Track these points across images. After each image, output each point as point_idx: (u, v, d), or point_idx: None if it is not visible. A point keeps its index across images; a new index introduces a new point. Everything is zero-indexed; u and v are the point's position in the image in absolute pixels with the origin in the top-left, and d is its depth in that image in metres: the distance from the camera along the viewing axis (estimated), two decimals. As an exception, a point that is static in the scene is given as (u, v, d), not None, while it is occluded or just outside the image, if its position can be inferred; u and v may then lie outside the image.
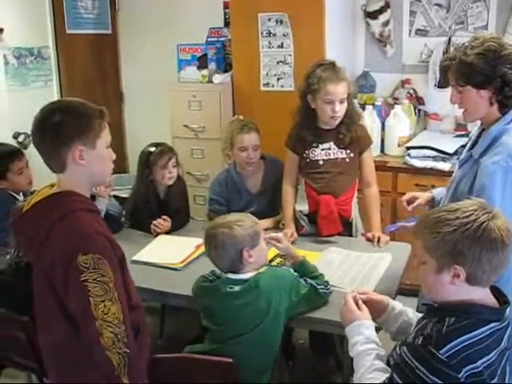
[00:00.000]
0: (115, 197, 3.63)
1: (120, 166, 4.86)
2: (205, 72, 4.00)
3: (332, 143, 2.80)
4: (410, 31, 4.01)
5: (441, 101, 3.93)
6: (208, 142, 4.00)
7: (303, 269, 2.20)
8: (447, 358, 1.38)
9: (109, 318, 1.65)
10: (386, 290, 2.22)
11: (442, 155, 3.54)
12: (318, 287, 2.12)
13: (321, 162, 2.81)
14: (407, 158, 3.62)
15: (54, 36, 4.37)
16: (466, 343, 1.40)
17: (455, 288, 1.48)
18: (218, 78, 3.93)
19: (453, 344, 1.40)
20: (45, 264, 1.71)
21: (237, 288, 2.01)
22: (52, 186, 1.81)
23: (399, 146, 3.75)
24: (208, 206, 3.12)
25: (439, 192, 2.44)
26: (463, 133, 3.85)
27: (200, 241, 2.73)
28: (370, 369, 1.56)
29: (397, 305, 1.79)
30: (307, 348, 3.19)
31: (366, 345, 1.61)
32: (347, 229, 2.84)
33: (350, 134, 2.77)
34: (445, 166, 3.51)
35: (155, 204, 2.99)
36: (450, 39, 3.83)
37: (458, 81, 2.00)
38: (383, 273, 2.41)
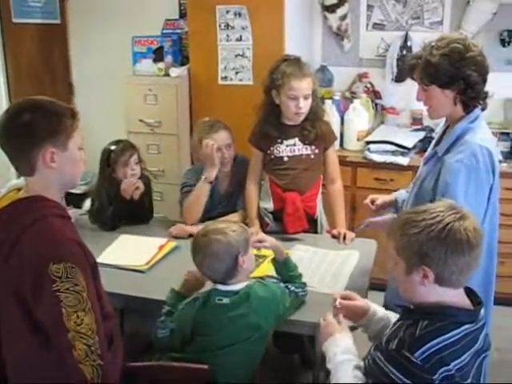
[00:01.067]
0: (71, 193, 3.51)
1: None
2: (161, 65, 3.90)
3: (297, 139, 2.77)
4: (368, 25, 4.02)
5: (397, 95, 3.98)
6: (164, 137, 3.91)
7: (285, 267, 2.15)
8: (421, 362, 1.38)
9: (82, 329, 1.58)
10: (357, 287, 2.20)
11: (400, 149, 3.57)
12: (298, 292, 2.09)
13: (286, 159, 2.78)
14: (367, 152, 3.63)
15: (0, 25, 4.17)
16: (439, 346, 1.40)
17: (426, 289, 1.47)
18: (174, 72, 3.84)
19: (426, 347, 1.39)
20: (13, 270, 1.61)
21: (226, 300, 1.93)
22: (18, 190, 1.71)
23: (358, 140, 3.77)
24: (180, 192, 2.97)
25: (400, 194, 2.46)
26: (419, 127, 3.90)
27: (162, 241, 2.68)
28: (348, 378, 1.54)
29: (379, 310, 1.78)
30: (271, 344, 3.16)
31: (345, 355, 1.59)
32: (312, 226, 2.82)
33: (315, 130, 2.74)
34: (404, 160, 3.54)
35: (119, 202, 2.89)
36: (407, 34, 3.85)
37: (423, 79, 2.01)
38: (352, 270, 2.40)
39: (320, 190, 2.86)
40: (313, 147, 2.77)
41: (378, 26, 3.99)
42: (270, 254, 2.51)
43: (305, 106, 2.66)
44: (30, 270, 1.56)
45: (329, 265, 2.45)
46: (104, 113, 4.50)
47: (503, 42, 3.79)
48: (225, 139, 2.85)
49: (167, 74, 3.87)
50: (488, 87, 2.02)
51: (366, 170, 3.68)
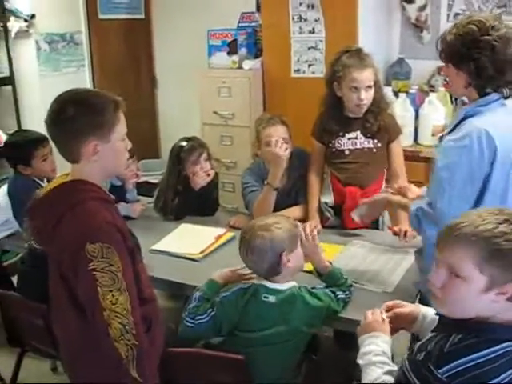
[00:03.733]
0: (146, 182, 3.65)
1: (152, 152, 4.87)
2: (235, 58, 3.94)
3: (359, 132, 2.71)
4: (448, 16, 3.85)
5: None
6: (237, 129, 3.95)
7: (331, 280, 2.07)
8: (447, 378, 1.28)
9: (117, 308, 1.62)
10: (407, 289, 2.16)
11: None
12: (345, 297, 2.04)
13: (347, 152, 2.73)
14: (441, 148, 3.49)
15: (87, 21, 4.39)
16: (471, 364, 1.28)
17: (496, 306, 1.31)
18: (248, 64, 3.87)
19: (454, 364, 1.28)
20: (55, 252, 1.70)
21: (272, 298, 1.91)
22: (67, 174, 1.79)
23: (433, 135, 3.62)
24: (245, 197, 2.91)
25: None
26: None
27: (221, 231, 2.71)
28: (377, 380, 1.48)
29: (429, 313, 1.66)
30: (332, 340, 3.13)
31: (380, 357, 1.52)
32: (373, 222, 2.75)
33: (377, 122, 2.67)
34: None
35: (187, 195, 2.95)
36: (490, 24, 3.65)
37: (441, 56, 1.99)
38: (405, 271, 2.32)
39: (383, 186, 2.79)
40: (375, 140, 2.71)
41: (460, 17, 3.81)
42: (326, 247, 2.49)
43: (367, 97, 2.60)
44: (69, 250, 1.63)
45: (383, 263, 2.38)
46: (181, 104, 4.63)
47: None
48: (281, 133, 2.81)
49: (241, 67, 3.90)
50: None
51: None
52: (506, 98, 1.98)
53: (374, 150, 2.71)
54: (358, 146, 2.71)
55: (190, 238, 2.67)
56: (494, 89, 1.94)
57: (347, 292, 2.04)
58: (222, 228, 2.76)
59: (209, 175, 2.94)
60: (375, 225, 2.77)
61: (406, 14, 3.92)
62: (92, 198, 1.70)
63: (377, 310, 1.65)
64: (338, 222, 2.77)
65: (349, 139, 2.73)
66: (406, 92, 3.77)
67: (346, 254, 2.46)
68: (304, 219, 2.82)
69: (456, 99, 3.84)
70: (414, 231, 2.61)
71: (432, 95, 3.66)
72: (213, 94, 3.98)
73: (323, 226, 2.75)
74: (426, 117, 3.64)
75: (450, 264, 1.34)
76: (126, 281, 1.65)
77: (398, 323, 1.66)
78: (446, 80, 3.81)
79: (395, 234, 2.66)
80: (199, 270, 2.41)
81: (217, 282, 2.10)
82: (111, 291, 1.62)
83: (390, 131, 2.72)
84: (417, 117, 3.69)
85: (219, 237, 2.66)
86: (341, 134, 2.73)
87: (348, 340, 2.91)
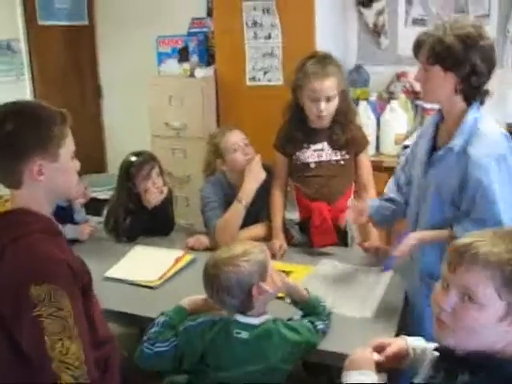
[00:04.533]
0: (94, 199, 3.37)
1: (97, 165, 4.59)
2: (186, 65, 3.73)
3: (325, 144, 2.55)
4: (406, 20, 3.74)
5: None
6: (190, 141, 3.72)
7: (308, 308, 1.87)
8: None
9: (68, 359, 1.40)
10: (389, 309, 2.01)
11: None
12: (324, 327, 1.84)
13: (312, 165, 2.55)
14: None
15: (25, 28, 4.08)
16: None
17: (509, 336, 1.18)
18: (200, 72, 3.66)
19: None
20: None
21: (245, 334, 1.70)
22: (6, 201, 1.55)
23: (396, 143, 3.50)
24: (204, 213, 2.67)
25: (374, 203, 2.31)
26: (463, 129, 3.60)
27: (179, 253, 2.49)
28: None
29: (416, 343, 1.52)
30: (300, 366, 2.94)
31: None
32: (342, 238, 2.58)
33: (344, 134, 2.51)
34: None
35: (139, 213, 2.72)
36: (449, 29, 3.57)
37: (428, 58, 1.89)
38: (385, 290, 2.16)
39: (351, 199, 2.63)
40: (343, 152, 2.54)
41: (418, 22, 3.71)
42: (293, 269, 2.31)
43: (327, 108, 2.43)
44: (10, 292, 1.40)
45: (358, 285, 2.21)
46: (130, 115, 4.37)
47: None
48: (243, 138, 2.64)
49: (193, 75, 3.68)
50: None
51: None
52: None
53: (342, 162, 2.55)
54: (325, 158, 2.54)
55: (146, 262, 2.43)
56: (477, 95, 1.90)
57: (327, 321, 1.86)
58: (179, 250, 2.54)
59: (162, 192, 2.71)
60: (343, 241, 2.60)
61: (364, 19, 3.79)
62: (37, 231, 1.47)
63: (366, 348, 1.47)
64: (305, 239, 2.59)
65: (314, 151, 2.55)
66: (366, 99, 3.64)
67: (315, 276, 2.27)
68: (267, 238, 2.63)
69: (416, 106, 3.75)
70: (386, 247, 2.48)
71: (393, 102, 3.54)
72: (163, 104, 3.75)
73: (289, 245, 2.57)
74: (387, 125, 3.52)
75: (464, 286, 1.18)
76: (79, 326, 1.43)
77: (387, 364, 1.49)
78: (406, 86, 3.73)
79: (366, 250, 2.51)
80: (157, 298, 2.17)
81: (184, 308, 1.87)
82: (61, 340, 1.39)
83: (358, 143, 2.57)
84: (378, 125, 3.56)
85: (178, 260, 2.43)
86: (305, 145, 2.56)
87: (317, 366, 2.76)
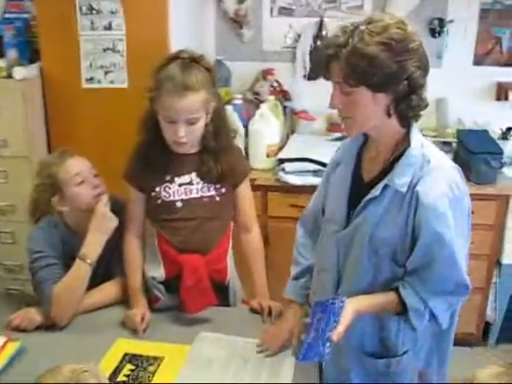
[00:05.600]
0: None
1: None
2: (1, 63, 2.87)
3: (194, 175, 1.93)
4: (272, 9, 3.23)
5: (310, 95, 3.24)
6: (12, 160, 2.88)
7: None
8: None
9: None
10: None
11: (323, 168, 2.83)
12: None
13: (179, 204, 1.92)
14: (281, 173, 2.86)
15: None
16: None
17: None
18: (20, 72, 2.81)
19: None
20: None
21: None
22: None
23: (268, 156, 2.98)
24: (34, 274, 1.94)
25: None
26: (339, 135, 3.18)
27: (1, 340, 1.75)
28: None
29: None
30: None
31: None
32: (221, 295, 2.00)
33: (218, 164, 1.91)
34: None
35: None
36: (321, 20, 3.11)
37: (347, 78, 1.38)
38: (293, 369, 1.62)
39: (230, 244, 2.05)
40: (218, 186, 1.94)
41: (286, 11, 3.21)
42: (162, 352, 1.70)
43: (189, 133, 1.82)
44: None
45: (254, 371, 1.64)
46: None
47: (433, 32, 3.16)
48: (88, 166, 2.00)
49: (10, 76, 2.84)
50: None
51: (279, 195, 2.94)
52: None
53: (218, 198, 1.94)
54: (195, 195, 1.93)
55: None
56: (417, 113, 1.47)
57: None
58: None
59: None
60: (223, 299, 2.02)
61: (223, 8, 3.21)
62: None
63: None
64: (173, 301, 1.97)
65: (180, 185, 1.93)
66: (230, 102, 3.07)
67: (195, 362, 1.68)
68: (124, 299, 1.98)
69: (285, 108, 3.26)
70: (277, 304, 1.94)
71: (263, 107, 3.01)
72: (-28, 113, 2.87)
73: (152, 311, 1.94)
74: (258, 134, 2.98)
75: None
76: None
77: None
78: (273, 86, 3.23)
79: (254, 311, 1.95)
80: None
81: None
82: None
83: (237, 172, 1.98)
84: (246, 134, 3.01)
85: (3, 348, 1.70)
86: (168, 177, 1.93)
87: None
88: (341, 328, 1.36)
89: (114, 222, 1.90)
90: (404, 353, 1.57)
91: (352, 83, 1.37)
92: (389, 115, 1.42)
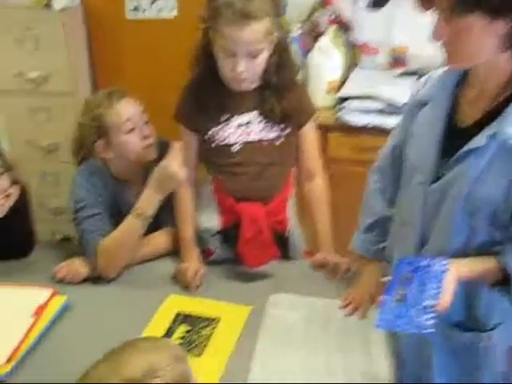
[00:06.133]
0: None
1: None
2: (39, -8, 2.66)
3: (254, 114, 1.71)
4: None
5: (373, 26, 2.93)
6: (54, 97, 2.72)
7: None
8: None
9: None
10: None
11: (390, 107, 2.57)
12: None
13: (236, 148, 1.72)
14: (341, 112, 2.61)
15: None
16: None
17: None
18: (60, 1, 2.61)
19: None
20: None
21: None
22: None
23: (328, 93, 2.73)
24: (79, 225, 1.77)
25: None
26: (404, 70, 2.89)
27: (43, 295, 1.62)
28: None
29: None
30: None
31: None
32: (281, 247, 1.81)
33: (281, 103, 1.68)
34: (394, 121, 2.54)
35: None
36: None
37: (458, 4, 1.11)
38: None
39: (292, 192, 1.85)
40: (281, 126, 1.72)
41: None
42: (219, 313, 1.54)
43: (250, 68, 1.59)
44: None
45: (344, 337, 1.46)
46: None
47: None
48: (139, 111, 1.79)
49: (49, 5, 2.63)
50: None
51: (340, 136, 2.67)
52: None
53: (278, 141, 1.73)
54: (254, 138, 1.71)
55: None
56: None
57: None
58: (43, 288, 1.66)
59: (8, 197, 1.77)
60: (283, 251, 1.83)
61: None
62: None
63: None
64: (230, 253, 1.80)
65: (239, 126, 1.71)
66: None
67: (270, 332, 1.50)
68: (174, 250, 1.82)
69: (348, 42, 2.96)
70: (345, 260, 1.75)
71: (323, 39, 2.73)
72: (9, 47, 2.68)
73: (206, 262, 1.77)
74: (317, 69, 2.71)
75: None
76: None
77: None
78: (333, 15, 2.93)
79: (319, 266, 1.76)
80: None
81: None
82: None
83: (301, 112, 1.75)
84: (305, 69, 2.75)
85: (41, 309, 1.57)
86: (225, 117, 1.71)
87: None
88: (447, 297, 1.15)
89: (181, 175, 1.67)
90: (495, 327, 1.36)
91: (464, 8, 1.10)
92: (504, 48, 1.16)
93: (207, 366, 1.38)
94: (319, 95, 2.70)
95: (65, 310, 1.60)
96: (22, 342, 1.45)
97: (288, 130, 1.73)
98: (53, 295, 1.63)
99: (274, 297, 1.62)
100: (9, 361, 1.39)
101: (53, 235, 2.84)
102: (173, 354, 0.92)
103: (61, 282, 1.71)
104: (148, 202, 1.66)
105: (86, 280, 1.73)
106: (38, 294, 1.62)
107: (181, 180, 1.63)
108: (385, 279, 1.32)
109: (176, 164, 1.62)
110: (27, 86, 2.72)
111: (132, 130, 1.75)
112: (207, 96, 1.70)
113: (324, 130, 2.67)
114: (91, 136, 1.78)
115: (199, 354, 1.42)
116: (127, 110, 1.76)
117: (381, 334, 1.44)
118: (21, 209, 1.83)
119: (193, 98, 1.73)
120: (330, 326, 1.50)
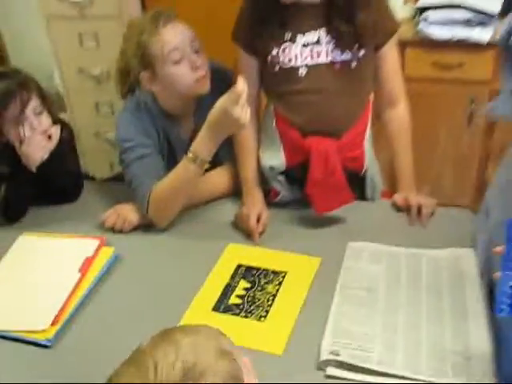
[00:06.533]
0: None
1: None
2: None
3: (323, 31, 1.43)
4: None
5: None
6: (102, 21, 2.50)
7: None
8: None
9: None
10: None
11: (478, 16, 2.22)
12: None
13: (302, 71, 1.46)
14: (422, 25, 2.29)
15: None
16: None
17: None
18: None
19: None
20: None
21: None
22: None
23: (406, 2, 2.39)
24: (127, 167, 1.59)
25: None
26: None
27: (91, 245, 1.47)
28: None
29: None
30: None
31: None
32: (356, 187, 1.58)
33: (356, 18, 1.39)
34: (483, 34, 2.21)
35: (24, 180, 1.63)
36: None
37: None
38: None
39: (369, 124, 1.58)
40: (356, 46, 1.44)
41: None
42: (285, 266, 1.35)
43: None
44: None
45: (435, 293, 1.24)
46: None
47: None
48: (190, 37, 1.52)
49: None
50: None
51: (420, 52, 2.37)
52: None
53: (354, 63, 1.45)
54: (323, 60, 1.44)
55: (33, 279, 1.39)
56: None
57: None
58: (90, 237, 1.50)
59: (50, 138, 1.59)
60: (359, 191, 1.60)
61: None
62: None
63: None
64: (296, 195, 1.58)
65: (305, 46, 1.44)
66: None
67: (346, 291, 1.28)
68: (234, 191, 1.62)
69: None
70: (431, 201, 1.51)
71: None
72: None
73: (269, 204, 1.57)
74: (393, -26, 2.36)
75: None
76: None
77: None
78: None
79: (399, 206, 1.53)
80: (47, 366, 1.18)
81: None
82: None
83: (381, 28, 1.46)
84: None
85: (89, 262, 1.41)
86: (289, 36, 1.44)
87: None
88: None
89: (241, 127, 1.39)
90: None
91: None
92: None
93: (272, 332, 1.19)
94: (395, 5, 2.36)
95: (113, 262, 1.44)
96: (67, 301, 1.30)
97: (363, 52, 1.44)
98: (100, 246, 1.47)
99: (351, 246, 1.40)
100: (54, 323, 1.24)
101: (111, 167, 2.70)
102: (216, 350, 0.72)
103: (110, 230, 1.55)
104: (204, 145, 1.42)
105: (135, 228, 1.56)
106: (84, 246, 1.47)
107: (244, 125, 1.38)
108: (496, 275, 1.01)
109: (238, 108, 1.34)
110: (70, 11, 2.49)
111: (180, 60, 1.51)
112: (267, 11, 1.44)
113: (401, 45, 2.33)
114: (136, 66, 1.55)
115: (263, 317, 1.24)
116: (174, 37, 1.50)
117: (479, 297, 1.21)
118: (64, 150, 1.65)
119: (251, 14, 1.47)
120: (418, 281, 1.28)
